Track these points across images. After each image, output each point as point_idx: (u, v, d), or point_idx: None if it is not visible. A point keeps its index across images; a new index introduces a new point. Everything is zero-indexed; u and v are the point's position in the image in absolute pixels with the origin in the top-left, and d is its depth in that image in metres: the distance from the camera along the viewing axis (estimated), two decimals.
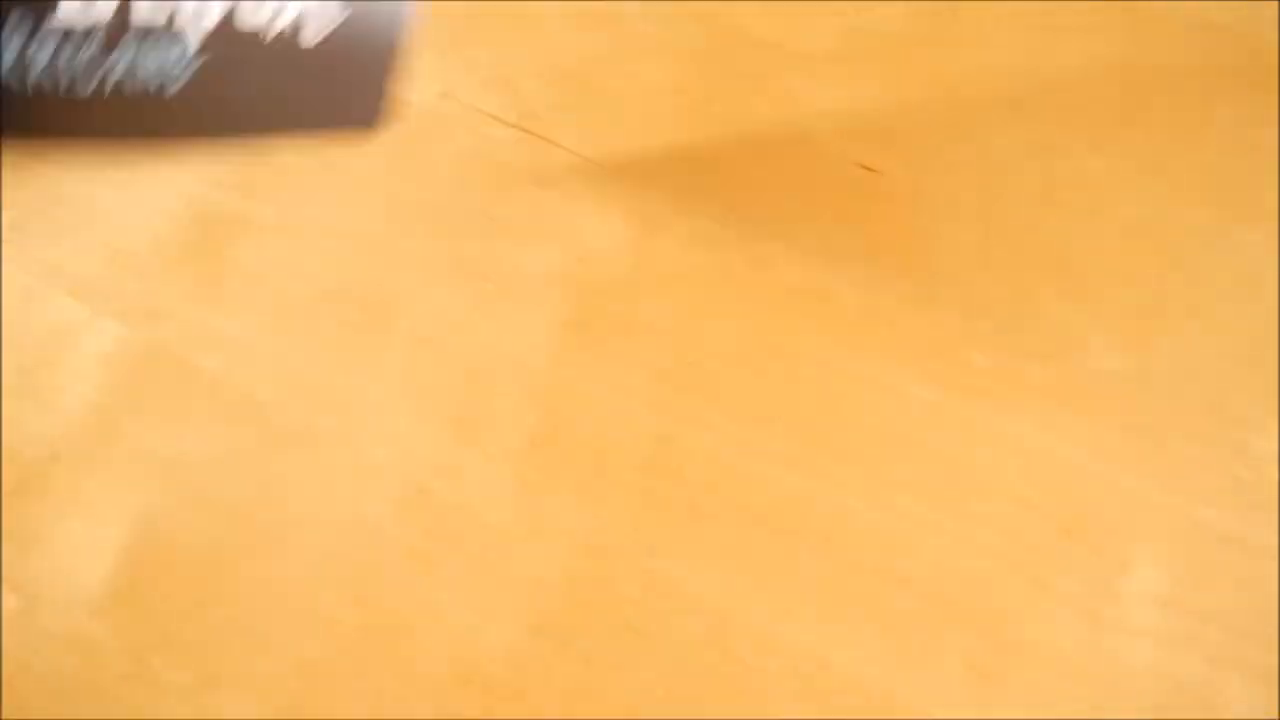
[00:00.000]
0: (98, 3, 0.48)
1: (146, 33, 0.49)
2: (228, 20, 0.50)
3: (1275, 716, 0.40)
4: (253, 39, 0.50)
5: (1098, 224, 0.51)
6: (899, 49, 0.56)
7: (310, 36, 0.51)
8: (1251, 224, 0.51)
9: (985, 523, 0.44)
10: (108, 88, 0.49)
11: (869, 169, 0.53)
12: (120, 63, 0.49)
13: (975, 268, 0.49)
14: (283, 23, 0.51)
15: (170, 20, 0.49)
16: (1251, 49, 0.56)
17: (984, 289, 0.49)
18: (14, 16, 0.46)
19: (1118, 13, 0.58)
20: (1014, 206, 0.50)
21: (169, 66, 0.49)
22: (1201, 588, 0.42)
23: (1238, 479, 0.45)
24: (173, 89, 0.50)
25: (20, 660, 0.40)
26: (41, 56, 0.48)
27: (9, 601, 0.42)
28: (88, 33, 0.48)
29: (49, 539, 0.43)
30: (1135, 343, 0.48)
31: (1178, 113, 0.55)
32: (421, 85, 0.58)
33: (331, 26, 0.51)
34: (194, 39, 0.49)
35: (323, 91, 0.53)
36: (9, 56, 0.47)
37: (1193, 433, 0.46)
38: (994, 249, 0.49)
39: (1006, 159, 0.52)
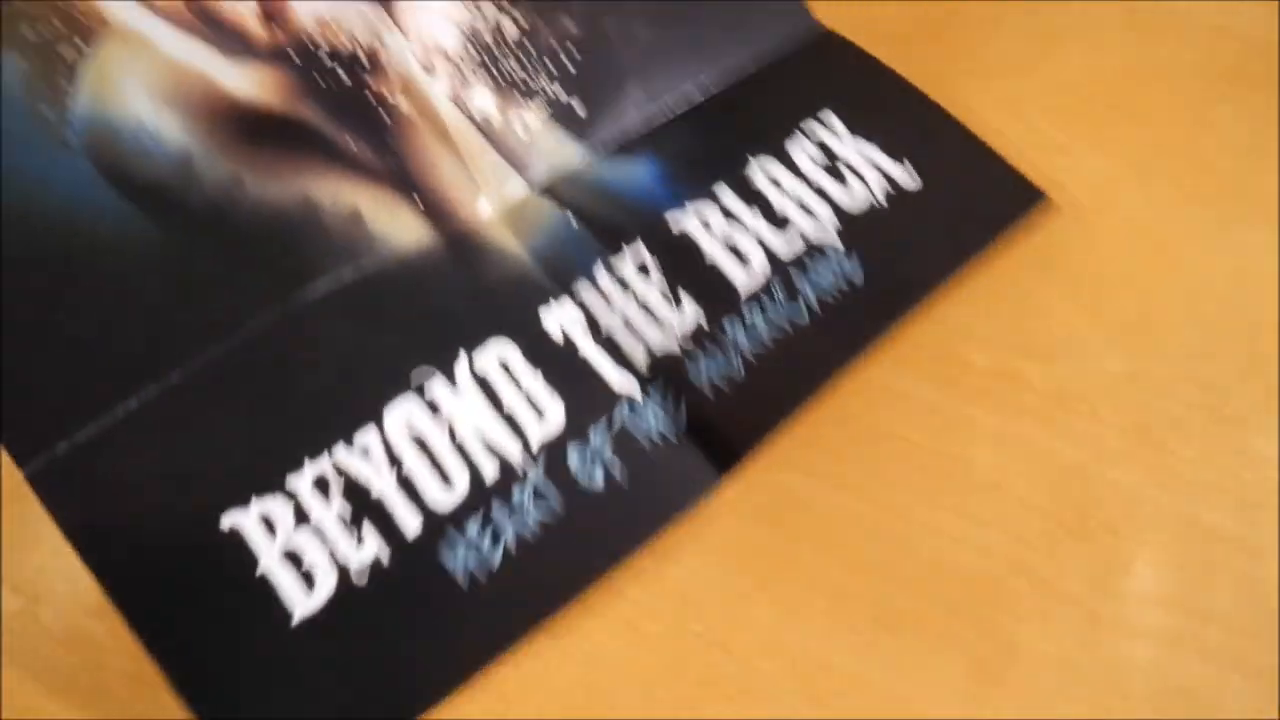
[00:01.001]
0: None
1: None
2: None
3: (1275, 717, 0.40)
4: None
5: (1098, 224, 0.51)
6: (899, 49, 0.56)
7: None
8: (1251, 224, 0.51)
9: (985, 523, 0.44)
10: None
11: None
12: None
13: (975, 267, 0.50)
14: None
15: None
16: (1251, 49, 0.56)
17: (984, 289, 0.49)
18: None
19: (1118, 13, 0.58)
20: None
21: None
22: (1201, 588, 0.42)
23: (1238, 479, 0.45)
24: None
25: (20, 660, 0.40)
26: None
27: (9, 601, 0.42)
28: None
29: (49, 539, 0.43)
30: (1135, 343, 0.48)
31: (1178, 113, 0.55)
32: None
33: None
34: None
35: None
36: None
37: (1193, 433, 0.46)
38: (994, 248, 0.49)
39: (1006, 159, 0.52)
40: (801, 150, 0.50)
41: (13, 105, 0.39)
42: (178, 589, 0.38)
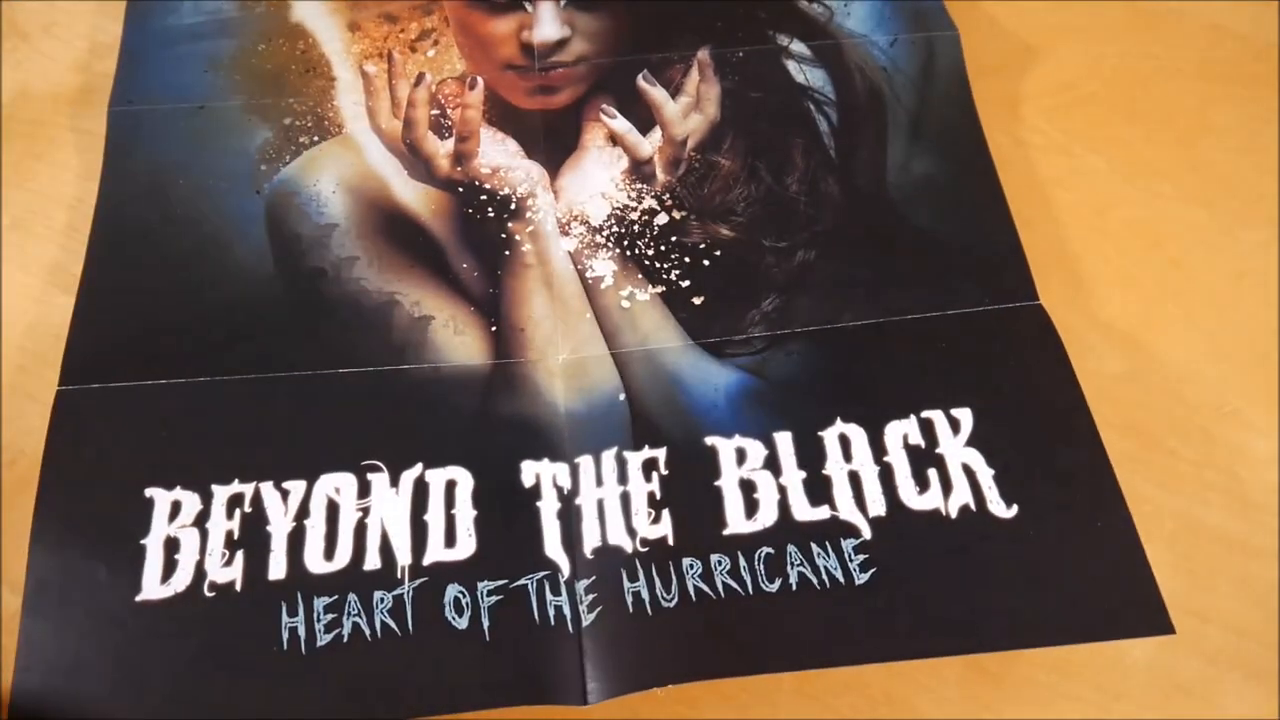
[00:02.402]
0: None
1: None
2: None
3: (1275, 717, 0.40)
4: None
5: (1098, 224, 0.51)
6: None
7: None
8: (1251, 224, 0.51)
9: None
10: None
11: None
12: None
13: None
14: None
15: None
16: (1251, 49, 0.56)
17: None
18: None
19: (1118, 13, 0.58)
20: (1014, 206, 0.50)
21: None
22: (1201, 588, 0.42)
23: (1238, 479, 0.45)
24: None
25: None
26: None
27: (9, 601, 0.42)
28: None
29: None
30: (1135, 343, 0.48)
31: (1178, 113, 0.55)
32: None
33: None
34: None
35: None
36: None
37: (1193, 433, 0.46)
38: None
39: (1007, 159, 0.52)
40: (900, 434, 0.43)
41: (242, 158, 0.51)
42: (81, 520, 0.42)
